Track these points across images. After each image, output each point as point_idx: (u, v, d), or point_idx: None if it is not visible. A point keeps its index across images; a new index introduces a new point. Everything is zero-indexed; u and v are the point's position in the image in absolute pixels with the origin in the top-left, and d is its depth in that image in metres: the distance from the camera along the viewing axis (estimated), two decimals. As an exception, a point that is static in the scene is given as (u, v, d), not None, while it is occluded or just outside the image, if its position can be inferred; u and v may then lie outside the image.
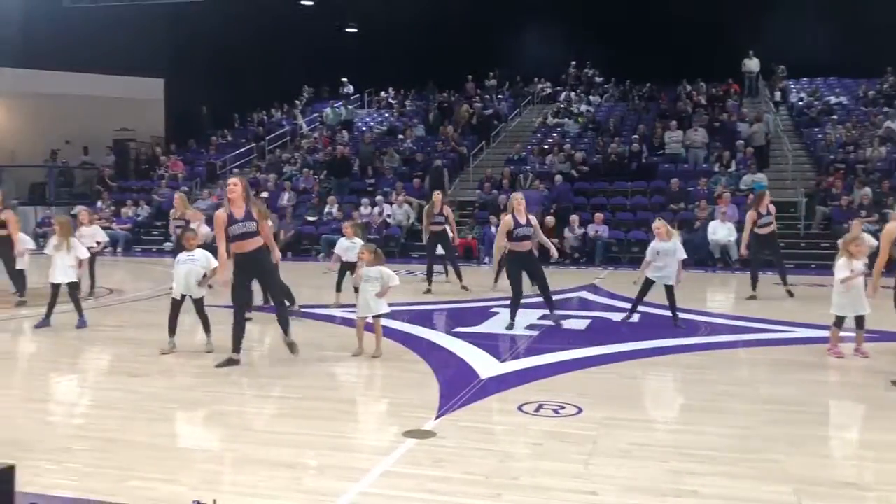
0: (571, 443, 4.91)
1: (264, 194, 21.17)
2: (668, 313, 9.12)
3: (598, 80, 27.80)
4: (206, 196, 21.13)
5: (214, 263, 7.54)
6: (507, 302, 9.22)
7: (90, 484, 4.20)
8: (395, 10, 25.03)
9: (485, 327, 9.17)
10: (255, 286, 7.86)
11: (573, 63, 27.82)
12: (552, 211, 18.07)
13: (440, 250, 12.98)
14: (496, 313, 10.02)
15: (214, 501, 3.64)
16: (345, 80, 29.65)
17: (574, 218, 17.70)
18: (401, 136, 24.59)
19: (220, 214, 7.06)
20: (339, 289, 10.52)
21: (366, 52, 27.79)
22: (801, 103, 24.57)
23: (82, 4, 22.71)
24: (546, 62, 27.66)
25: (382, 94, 29.35)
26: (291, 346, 7.31)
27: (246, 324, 7.32)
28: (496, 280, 12.16)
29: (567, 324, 9.29)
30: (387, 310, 7.58)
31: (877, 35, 22.24)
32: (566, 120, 24.28)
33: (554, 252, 10.02)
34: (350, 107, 27.93)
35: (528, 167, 20.87)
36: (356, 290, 7.73)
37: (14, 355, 8.26)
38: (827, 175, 18.80)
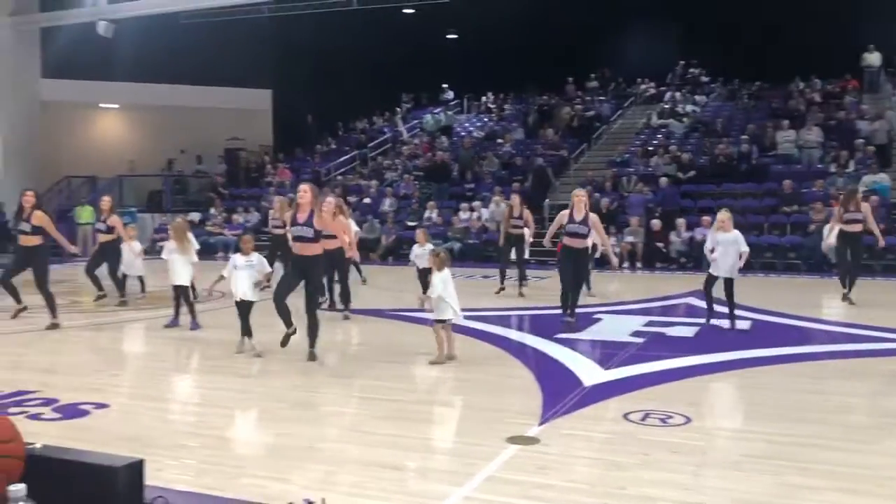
0: (679, 453, 4.77)
1: (366, 200, 21.64)
2: (781, 321, 8.75)
3: (704, 79, 27.01)
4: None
5: (268, 269, 8.24)
6: (612, 309, 9.08)
7: (205, 480, 4.37)
8: (495, 15, 25.03)
9: (588, 334, 9.02)
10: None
11: (681, 63, 27.12)
12: (657, 214, 17.68)
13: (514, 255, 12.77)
14: (600, 319, 9.85)
15: (323, 500, 3.72)
16: (445, 85, 29.91)
17: (680, 221, 17.22)
18: (500, 141, 24.59)
19: (289, 215, 7.82)
20: (424, 291, 10.74)
21: (465, 57, 27.95)
22: (927, 98, 23.13)
23: (196, 20, 23.79)
24: (649, 62, 27.04)
25: (482, 98, 29.45)
26: (311, 355, 7.48)
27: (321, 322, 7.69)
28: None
29: (674, 331, 9.05)
30: (451, 316, 7.47)
31: None
32: (671, 121, 23.69)
33: (613, 260, 9.99)
34: (450, 112, 28.15)
35: (632, 170, 20.48)
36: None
37: (132, 355, 8.72)
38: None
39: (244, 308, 8.00)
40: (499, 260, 13.20)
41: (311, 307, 7.66)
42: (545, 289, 12.77)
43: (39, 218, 9.16)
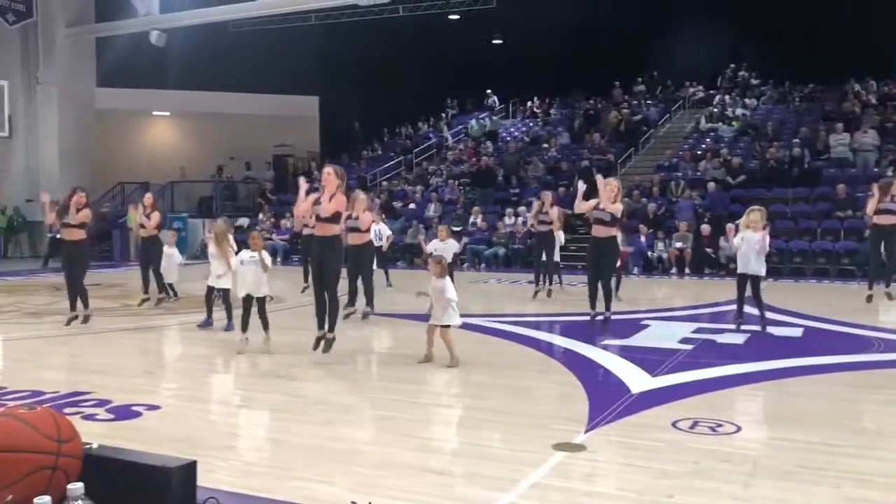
0: (730, 462, 4.67)
1: (411, 206, 21.73)
2: (834, 328, 8.54)
3: (753, 81, 26.52)
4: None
5: (268, 263, 8.20)
6: (660, 315, 8.97)
7: (253, 482, 4.40)
8: (541, 20, 24.96)
9: (635, 340, 8.92)
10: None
11: (731, 66, 26.67)
12: (706, 219, 17.40)
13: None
14: (647, 325, 9.73)
15: (369, 504, 3.73)
16: (489, 91, 29.91)
17: (730, 226, 16.85)
18: (545, 145, 24.47)
19: (312, 196, 7.69)
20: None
21: (511, 62, 27.89)
22: None
23: (244, 28, 24.21)
24: (698, 64, 26.64)
25: (528, 103, 29.35)
26: (321, 342, 7.63)
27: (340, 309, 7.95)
28: None
29: (724, 338, 8.89)
30: (450, 321, 7.45)
31: None
32: (720, 124, 23.32)
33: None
34: (495, 117, 28.12)
35: (680, 174, 20.19)
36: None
37: (180, 356, 8.86)
38: None
39: (248, 303, 8.13)
40: (535, 261, 13.10)
41: (331, 288, 7.68)
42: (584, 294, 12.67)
43: (86, 215, 9.61)
